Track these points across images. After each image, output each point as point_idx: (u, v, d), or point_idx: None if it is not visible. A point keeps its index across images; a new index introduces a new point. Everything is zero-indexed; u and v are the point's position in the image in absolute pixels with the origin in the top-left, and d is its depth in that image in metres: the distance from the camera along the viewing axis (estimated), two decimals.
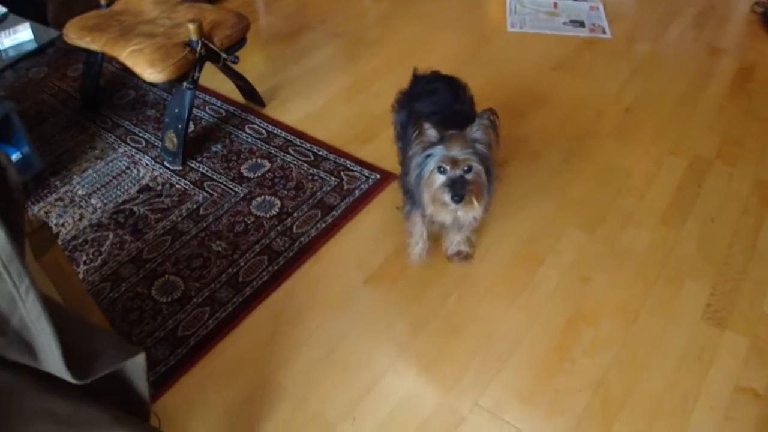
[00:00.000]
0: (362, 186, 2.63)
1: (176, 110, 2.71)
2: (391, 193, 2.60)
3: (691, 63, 3.40)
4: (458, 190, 1.87)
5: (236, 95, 3.13)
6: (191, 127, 2.92)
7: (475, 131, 1.90)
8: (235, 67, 2.79)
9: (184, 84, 2.64)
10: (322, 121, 3.00)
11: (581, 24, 3.67)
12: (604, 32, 3.62)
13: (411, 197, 2.13)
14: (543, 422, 1.86)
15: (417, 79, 2.37)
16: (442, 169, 1.89)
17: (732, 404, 1.88)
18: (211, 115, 3.03)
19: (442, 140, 1.89)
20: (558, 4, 3.84)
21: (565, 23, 3.67)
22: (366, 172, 2.70)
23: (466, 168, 1.88)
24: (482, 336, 2.09)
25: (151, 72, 2.53)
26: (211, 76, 3.20)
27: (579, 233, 2.42)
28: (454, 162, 1.87)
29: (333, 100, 3.14)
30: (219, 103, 3.10)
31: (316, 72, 3.33)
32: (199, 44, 2.62)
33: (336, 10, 3.86)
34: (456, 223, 2.08)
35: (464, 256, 2.32)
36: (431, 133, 1.89)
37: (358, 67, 3.40)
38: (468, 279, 2.27)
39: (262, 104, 3.09)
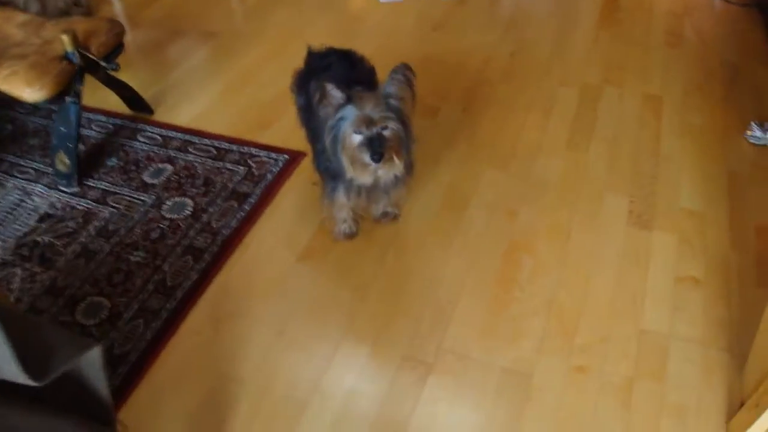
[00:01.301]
0: (273, 169, 2.48)
1: (63, 129, 2.45)
2: (304, 171, 2.46)
3: (560, 3, 3.48)
4: (377, 148, 1.76)
5: (122, 108, 2.89)
6: (80, 147, 2.67)
7: (388, 86, 1.79)
8: (117, 75, 2.57)
9: (67, 99, 2.40)
10: (215, 117, 2.82)
11: None
12: None
13: (329, 175, 2.01)
14: (508, 350, 1.80)
15: (311, 56, 2.22)
16: (357, 130, 1.77)
17: (677, 294, 1.89)
18: (99, 132, 2.78)
19: (350, 100, 1.77)
20: None
21: None
22: (273, 155, 2.55)
23: (382, 126, 1.77)
24: (427, 285, 2.00)
25: (30, 91, 2.28)
26: (92, 94, 2.94)
27: (495, 172, 2.38)
28: (370, 121, 1.75)
29: (222, 95, 2.96)
30: (105, 119, 2.85)
31: (198, 72, 3.13)
32: (76, 55, 2.38)
33: (204, 13, 3.64)
34: (380, 188, 1.97)
35: (392, 217, 2.22)
36: (335, 93, 1.77)
37: (240, 60, 3.22)
38: (399, 236, 2.18)
39: (150, 111, 2.87)
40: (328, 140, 1.85)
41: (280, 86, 2.88)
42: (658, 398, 1.69)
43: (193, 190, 2.42)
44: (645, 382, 1.73)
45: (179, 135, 2.71)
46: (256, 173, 2.47)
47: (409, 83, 1.80)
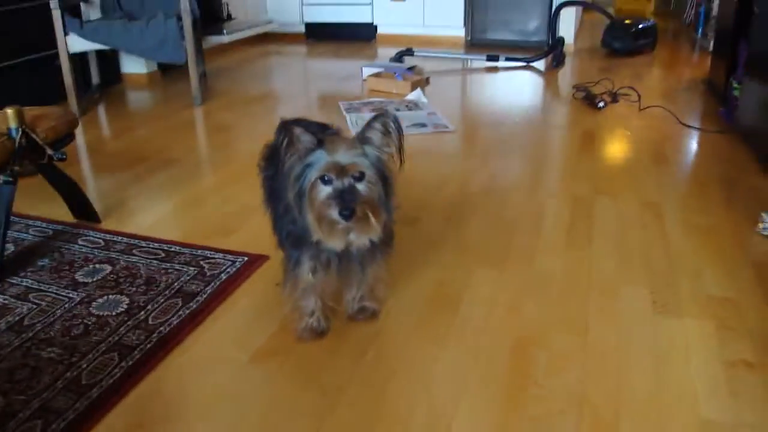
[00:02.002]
0: (228, 269, 2.08)
1: None
2: (267, 272, 2.07)
3: (540, 136, 3.46)
4: (347, 202, 1.42)
5: (65, 215, 2.52)
6: (10, 248, 2.26)
7: (367, 132, 1.49)
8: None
9: (1, 177, 2.05)
10: (170, 226, 2.45)
11: (423, 125, 3.52)
12: (446, 128, 3.49)
13: (292, 242, 1.64)
14: None
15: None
16: (326, 179, 1.45)
17: (731, 380, 1.51)
18: (35, 235, 2.38)
19: (321, 144, 1.46)
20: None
21: (408, 126, 3.49)
22: (230, 257, 2.16)
23: (356, 175, 1.45)
24: (419, 384, 1.55)
25: None
26: (33, 201, 2.61)
27: (488, 270, 2.03)
28: (341, 169, 1.44)
29: (180, 207, 2.62)
30: (44, 225, 2.46)
31: (156, 189, 2.81)
32: (19, 133, 2.07)
33: (168, 145, 3.40)
34: (353, 259, 1.62)
35: (370, 314, 1.81)
36: (304, 137, 1.46)
37: (201, 181, 2.93)
38: (381, 333, 1.76)
39: (97, 220, 2.49)
40: (292, 194, 1.50)
41: (244, 201, 2.62)
42: None
43: (132, 288, 1.99)
44: None
45: (125, 240, 2.32)
46: (208, 273, 2.06)
47: (389, 131, 1.49)
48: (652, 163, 2.95)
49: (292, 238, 1.63)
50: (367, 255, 1.63)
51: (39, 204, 2.62)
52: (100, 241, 2.32)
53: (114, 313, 1.87)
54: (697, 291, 1.91)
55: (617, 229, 2.31)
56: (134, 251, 2.23)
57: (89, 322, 1.83)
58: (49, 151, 2.18)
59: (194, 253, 2.20)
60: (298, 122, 1.75)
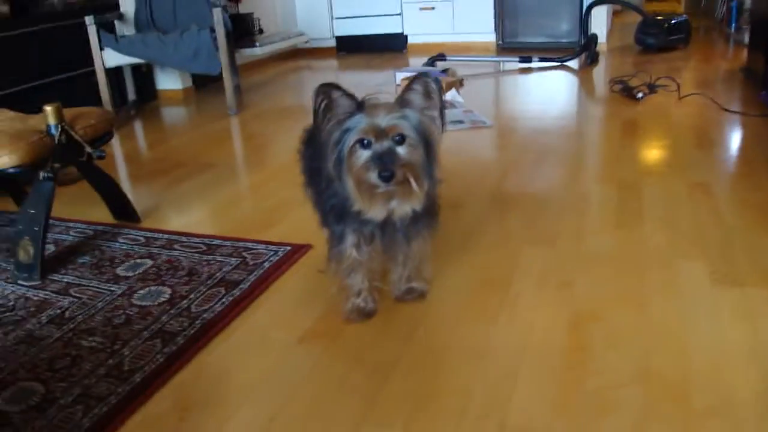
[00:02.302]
0: (271, 258, 2.01)
1: (32, 211, 2.03)
2: (310, 260, 2.00)
3: (580, 128, 3.36)
4: (387, 164, 1.34)
5: (105, 217, 2.48)
6: (51, 248, 2.23)
7: (407, 94, 1.41)
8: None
9: (41, 174, 2.01)
10: (210, 222, 2.40)
11: (461, 122, 3.43)
12: (484, 123, 3.39)
13: (335, 216, 1.57)
14: (597, 427, 1.21)
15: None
16: (365, 142, 1.38)
17: None
18: (76, 236, 2.34)
19: (360, 108, 1.39)
20: None
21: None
22: (273, 247, 2.09)
23: (397, 137, 1.37)
24: (473, 360, 1.45)
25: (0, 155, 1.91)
26: (74, 206, 2.59)
27: (537, 249, 1.93)
28: (380, 132, 1.36)
29: (219, 207, 2.57)
30: (84, 226, 2.42)
31: (194, 191, 2.76)
32: (59, 129, 2.04)
33: (204, 151, 3.37)
34: (397, 230, 1.54)
35: (418, 294, 1.72)
36: (343, 101, 1.39)
37: (239, 182, 2.90)
38: (429, 313, 1.66)
39: (137, 219, 2.45)
40: (331, 162, 1.43)
41: (283, 197, 2.55)
42: None
43: (174, 280, 1.93)
44: None
45: (165, 236, 2.26)
46: (251, 263, 2.00)
47: (430, 92, 1.40)
48: (696, 147, 2.82)
49: (335, 212, 1.55)
50: (411, 228, 1.55)
51: (79, 209, 2.59)
52: (141, 238, 2.27)
53: (156, 303, 1.81)
54: (754, 262, 1.79)
55: (667, 207, 2.19)
56: (175, 246, 2.17)
57: (131, 313, 1.77)
58: (88, 149, 2.15)
59: (236, 245, 2.13)
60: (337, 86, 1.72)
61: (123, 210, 2.45)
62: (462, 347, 1.51)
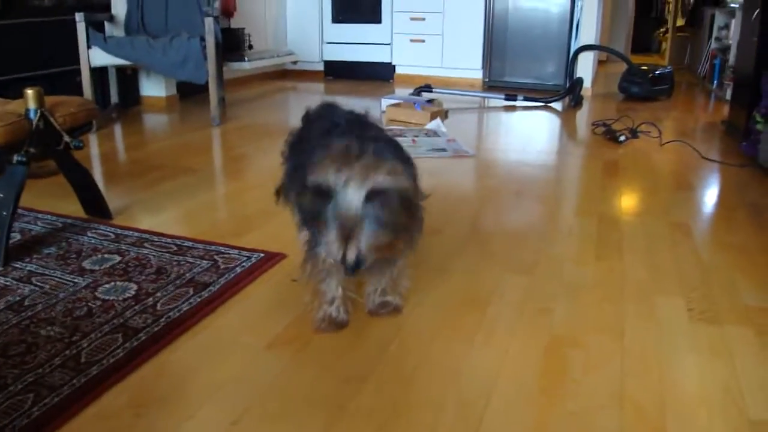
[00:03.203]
0: (243, 264, 1.96)
1: (0, 195, 1.96)
2: (284, 268, 1.95)
3: (562, 164, 3.34)
4: (352, 268, 1.36)
5: (76, 212, 2.41)
6: (16, 236, 2.15)
7: (381, 181, 1.31)
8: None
9: (15, 157, 1.95)
10: (183, 225, 2.34)
11: (443, 149, 3.42)
12: (467, 152, 3.39)
13: (312, 225, 1.49)
14: None
15: (309, 116, 1.81)
16: (332, 244, 1.35)
17: None
18: (44, 227, 2.26)
19: (331, 195, 1.31)
20: (416, 140, 3.60)
21: (427, 150, 3.39)
22: (246, 253, 2.04)
23: (365, 227, 1.32)
24: (448, 378, 1.41)
25: None
26: (45, 198, 2.51)
27: (517, 277, 1.89)
28: (349, 234, 1.32)
29: (195, 209, 2.51)
30: (53, 218, 2.35)
31: (172, 193, 2.70)
32: (38, 114, 1.99)
33: (185, 156, 3.31)
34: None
35: (392, 308, 1.67)
36: (313, 196, 1.35)
37: (218, 188, 2.84)
38: (403, 328, 1.62)
39: (109, 216, 2.38)
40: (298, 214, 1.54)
41: (260, 207, 2.51)
42: None
43: (141, 277, 1.87)
44: None
45: (136, 234, 2.20)
46: (222, 266, 1.94)
47: (408, 176, 1.40)
48: (677, 190, 2.84)
49: (308, 214, 1.48)
50: None
51: (50, 201, 2.52)
52: (111, 234, 2.20)
53: (120, 298, 1.74)
54: (733, 301, 1.78)
55: (647, 244, 2.18)
56: (145, 244, 2.11)
57: (93, 306, 1.70)
58: (66, 138, 2.09)
59: (207, 248, 2.08)
60: (331, 109, 1.72)
61: (95, 205, 2.38)
62: (436, 365, 1.47)
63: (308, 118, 1.79)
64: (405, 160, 1.50)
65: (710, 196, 2.82)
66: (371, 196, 1.29)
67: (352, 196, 1.30)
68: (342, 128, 1.57)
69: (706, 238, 2.25)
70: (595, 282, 1.88)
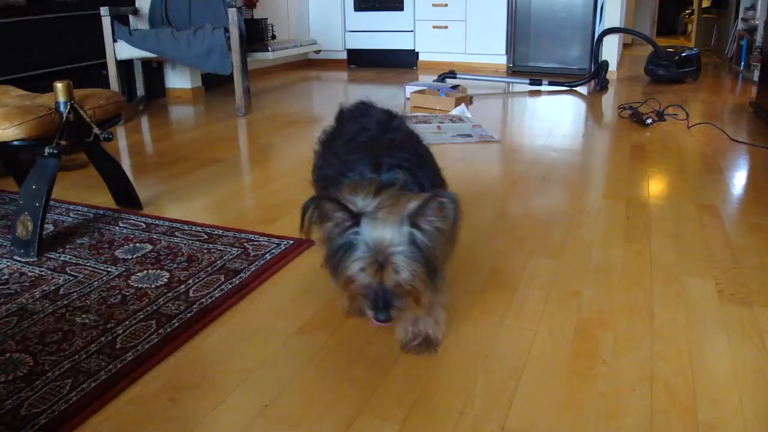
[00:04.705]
0: (273, 251, 1.97)
1: (34, 186, 2.00)
2: (313, 255, 1.96)
3: (589, 148, 3.31)
4: (383, 310, 1.23)
5: (107, 202, 2.44)
6: (49, 228, 2.19)
7: (419, 210, 1.21)
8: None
9: (46, 150, 1.97)
10: (212, 213, 2.36)
11: (468, 135, 3.41)
12: (492, 138, 3.37)
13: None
14: (601, 430, 1.16)
15: (343, 114, 1.69)
16: (362, 269, 1.22)
17: None
18: (76, 218, 2.30)
19: (359, 219, 1.22)
20: (441, 126, 3.59)
21: (452, 136, 3.38)
22: (275, 240, 2.05)
23: (397, 269, 1.20)
24: (477, 359, 1.41)
25: (7, 127, 1.89)
26: (76, 190, 2.55)
27: (545, 260, 1.89)
28: (378, 266, 1.20)
29: (223, 199, 2.53)
30: (85, 209, 2.38)
31: (199, 184, 2.73)
32: (68, 107, 2.01)
33: (210, 147, 3.34)
34: None
35: (426, 344, 1.46)
36: (338, 216, 1.24)
37: (246, 177, 2.86)
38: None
39: (139, 206, 2.41)
40: (328, 256, 1.28)
41: (288, 196, 2.52)
42: None
43: (173, 265, 1.89)
44: None
45: (166, 223, 2.23)
46: (252, 253, 1.96)
47: (448, 214, 1.24)
48: (705, 173, 2.79)
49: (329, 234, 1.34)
50: None
51: (81, 193, 2.57)
52: (142, 223, 2.23)
53: (153, 286, 1.76)
54: (763, 282, 1.75)
55: (675, 226, 2.15)
56: (176, 233, 2.13)
57: (127, 293, 1.73)
58: (96, 130, 2.11)
59: (237, 236, 2.09)
60: (362, 107, 1.67)
61: (125, 196, 2.41)
62: (465, 346, 1.47)
63: (341, 117, 1.70)
64: (437, 181, 1.46)
65: (738, 178, 2.77)
66: (412, 217, 1.21)
67: (388, 223, 1.20)
68: (370, 134, 1.50)
69: (735, 220, 2.21)
70: (624, 265, 1.87)
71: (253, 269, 1.85)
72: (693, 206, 2.34)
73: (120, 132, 3.76)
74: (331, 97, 5.20)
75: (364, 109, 1.67)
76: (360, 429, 1.21)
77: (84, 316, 1.62)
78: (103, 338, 1.52)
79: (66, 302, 1.69)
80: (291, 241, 2.04)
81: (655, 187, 2.63)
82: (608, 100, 4.74)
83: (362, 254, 1.21)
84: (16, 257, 1.97)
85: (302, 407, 1.28)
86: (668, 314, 1.59)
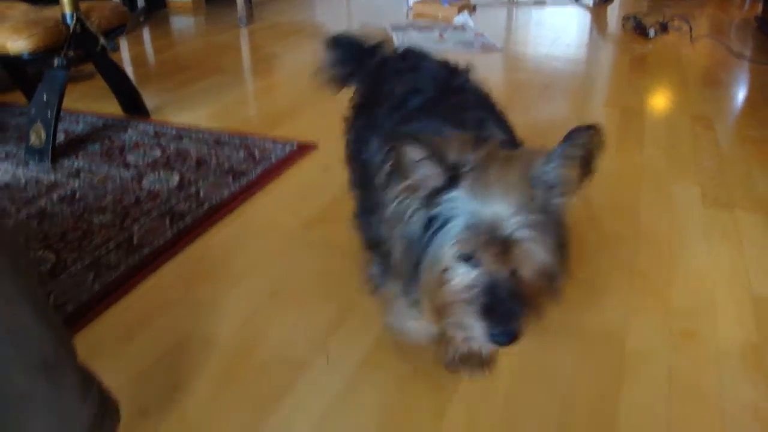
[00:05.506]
0: (279, 154, 2.04)
1: (45, 97, 2.05)
2: (317, 157, 2.03)
3: (590, 58, 3.35)
4: (510, 320, 0.79)
5: (115, 111, 2.49)
6: (61, 137, 2.25)
7: (553, 166, 0.82)
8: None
9: (56, 61, 2.01)
10: (218, 120, 2.41)
11: (470, 44, 3.41)
12: (494, 46, 3.38)
13: (384, 261, 1.04)
14: (587, 311, 1.27)
15: (387, 67, 1.28)
16: (469, 258, 0.80)
17: None
18: (86, 127, 2.36)
19: (456, 180, 0.80)
20: (443, 35, 3.59)
21: (455, 44, 3.39)
22: (280, 144, 2.12)
23: (524, 257, 0.80)
24: None
25: (15, 40, 1.93)
26: (84, 100, 2.60)
27: None
28: (500, 249, 0.78)
29: (227, 106, 2.57)
30: (95, 118, 2.44)
31: (203, 92, 2.76)
32: (74, 18, 2.03)
33: (213, 57, 3.34)
34: None
35: (480, 363, 1.17)
36: (426, 169, 0.80)
37: (249, 85, 2.89)
38: None
39: (147, 114, 2.47)
40: (398, 247, 0.88)
41: (291, 102, 2.56)
42: None
43: (183, 167, 1.97)
44: None
45: (174, 130, 2.29)
46: (258, 156, 2.03)
47: (588, 159, 0.84)
48: (704, 85, 2.82)
49: (385, 263, 1.02)
50: None
51: (90, 102, 2.61)
52: (150, 130, 2.29)
53: (165, 188, 1.85)
54: (747, 190, 1.84)
55: (668, 136, 2.21)
56: (184, 139, 2.20)
57: (141, 195, 1.81)
58: (102, 40, 2.14)
59: (243, 140, 2.16)
60: (410, 56, 1.21)
61: (133, 104, 2.46)
62: None
63: (379, 70, 1.28)
64: None
65: (736, 92, 2.80)
66: (540, 176, 0.81)
67: (503, 185, 0.80)
68: (427, 97, 1.11)
69: (728, 132, 2.27)
70: (615, 170, 1.94)
71: (259, 170, 1.93)
72: (688, 117, 2.39)
73: (122, 44, 3.75)
74: (334, 6, 5.14)
75: (412, 60, 1.25)
76: (362, 309, 1.32)
77: (101, 216, 1.70)
78: (120, 236, 1.61)
79: (83, 204, 1.77)
80: (295, 144, 2.10)
81: (652, 97, 2.67)
82: (613, 12, 4.68)
83: (474, 232, 0.78)
84: (31, 165, 2.05)
85: (308, 292, 1.39)
86: (653, 216, 1.67)
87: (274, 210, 1.73)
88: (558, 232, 0.82)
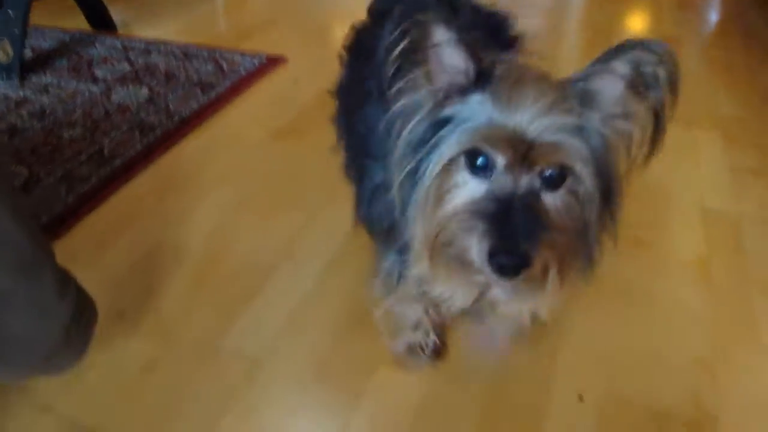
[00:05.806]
0: (248, 66, 2.03)
1: (11, 12, 2.00)
2: (286, 70, 2.02)
3: None
4: (520, 240, 0.62)
5: (82, 26, 2.44)
6: (28, 53, 2.21)
7: (596, 77, 0.69)
8: None
9: None
10: (186, 33, 2.37)
11: None
12: None
13: (381, 234, 0.91)
14: None
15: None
16: (479, 163, 0.66)
17: (737, 181, 1.53)
18: (53, 42, 2.31)
19: (484, 77, 0.67)
20: None
21: None
22: (249, 57, 2.10)
23: (550, 173, 0.65)
24: None
25: None
26: (50, 16, 2.53)
27: None
28: (521, 149, 0.64)
29: (196, 20, 2.52)
30: (61, 34, 2.39)
31: (171, 6, 2.69)
32: None
33: None
34: (484, 312, 0.83)
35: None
36: (453, 59, 0.67)
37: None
38: None
39: (114, 28, 2.42)
40: (398, 169, 0.71)
41: (259, 14, 2.53)
42: (741, 273, 1.22)
43: (152, 81, 1.96)
44: (721, 257, 1.26)
45: (142, 44, 2.25)
46: (227, 69, 2.02)
47: (653, 88, 0.69)
48: (677, 8, 2.76)
49: (381, 228, 0.88)
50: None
51: (56, 18, 2.54)
52: (118, 44, 2.26)
53: (135, 101, 1.84)
54: (709, 110, 1.85)
55: None
56: (152, 53, 2.17)
57: (110, 109, 1.81)
58: None
59: (212, 54, 2.14)
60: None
61: (100, 18, 2.41)
62: None
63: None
64: None
65: (709, 16, 2.76)
66: (585, 89, 0.68)
67: (538, 86, 0.66)
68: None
69: (695, 53, 2.25)
70: None
71: (228, 83, 1.92)
72: (657, 35, 2.34)
73: None
74: None
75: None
76: (327, 216, 1.36)
77: (71, 131, 1.71)
78: (91, 148, 1.62)
79: (52, 119, 1.77)
80: (264, 57, 2.08)
81: (624, 17, 2.63)
82: None
83: (490, 126, 0.64)
84: None
85: (274, 201, 1.42)
86: None
87: (242, 122, 1.74)
88: (602, 168, 0.66)
